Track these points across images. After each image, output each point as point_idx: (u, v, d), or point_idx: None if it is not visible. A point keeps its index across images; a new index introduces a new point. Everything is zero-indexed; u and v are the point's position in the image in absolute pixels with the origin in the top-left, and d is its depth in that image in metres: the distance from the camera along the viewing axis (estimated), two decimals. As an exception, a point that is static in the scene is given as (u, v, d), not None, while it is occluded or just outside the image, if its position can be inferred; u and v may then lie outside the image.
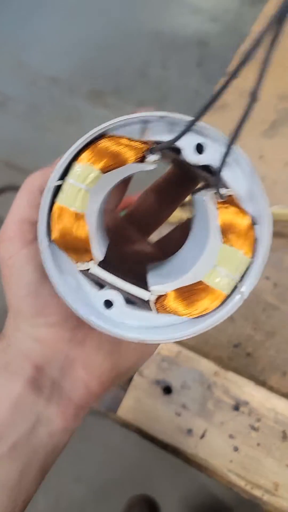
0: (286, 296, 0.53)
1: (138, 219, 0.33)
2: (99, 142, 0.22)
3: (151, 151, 0.22)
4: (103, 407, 0.50)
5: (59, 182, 0.22)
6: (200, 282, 0.23)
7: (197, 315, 0.23)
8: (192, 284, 0.23)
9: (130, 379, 0.51)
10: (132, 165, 0.22)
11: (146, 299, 0.24)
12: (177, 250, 0.30)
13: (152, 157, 0.22)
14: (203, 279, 0.23)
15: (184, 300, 0.23)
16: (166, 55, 1.65)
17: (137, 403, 0.47)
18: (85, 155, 0.22)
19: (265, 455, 0.44)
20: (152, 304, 0.24)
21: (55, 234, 0.22)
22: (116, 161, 0.22)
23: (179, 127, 0.22)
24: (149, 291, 0.24)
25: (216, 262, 0.23)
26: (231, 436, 0.45)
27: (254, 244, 0.23)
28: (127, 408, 0.47)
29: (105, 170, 0.22)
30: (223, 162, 0.20)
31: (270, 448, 0.45)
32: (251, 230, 0.23)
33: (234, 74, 0.17)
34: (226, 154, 0.20)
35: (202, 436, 0.45)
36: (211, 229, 0.23)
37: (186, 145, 0.22)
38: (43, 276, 0.24)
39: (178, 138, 0.21)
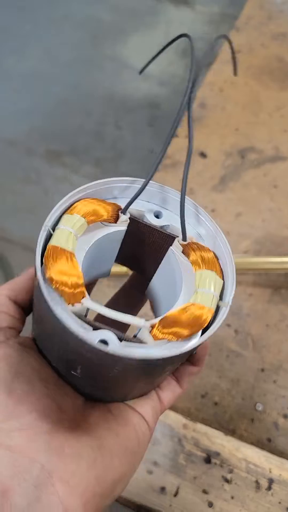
0: (247, 342, 0.55)
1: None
2: (80, 201, 0.26)
3: (121, 211, 0.27)
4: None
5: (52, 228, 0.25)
6: (188, 304, 0.25)
7: (193, 333, 0.24)
8: (181, 307, 0.25)
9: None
10: (107, 225, 0.27)
11: (142, 325, 0.24)
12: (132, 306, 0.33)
13: (123, 217, 0.27)
14: (190, 301, 0.25)
15: (179, 321, 0.24)
16: (119, 116, 1.74)
17: (107, 465, 0.45)
18: (72, 209, 0.25)
19: (239, 508, 0.44)
20: (146, 332, 0.24)
21: (50, 272, 0.23)
22: (96, 216, 0.26)
23: (142, 188, 0.27)
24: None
25: (197, 286, 0.25)
26: (204, 491, 0.44)
27: (221, 272, 0.26)
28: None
29: (89, 221, 0.26)
30: (183, 213, 0.25)
31: (244, 500, 0.44)
32: (216, 260, 0.26)
33: (167, 143, 0.26)
34: (183, 208, 0.25)
35: (176, 494, 0.44)
36: (182, 270, 0.27)
37: (147, 212, 0.28)
38: (17, 372, 0.23)
39: (135, 197, 0.26)
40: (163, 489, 0.44)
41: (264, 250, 0.61)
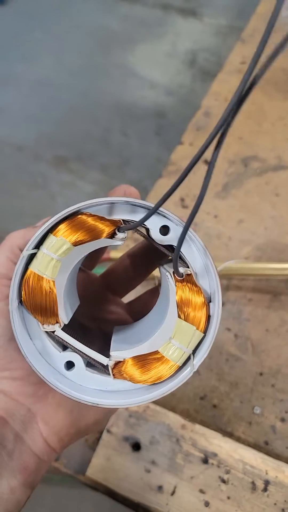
0: (246, 346, 0.56)
1: (113, 279, 0.36)
2: (76, 217, 0.24)
3: (119, 229, 0.25)
4: (72, 470, 0.49)
5: (34, 251, 0.24)
6: (156, 352, 0.25)
7: (151, 383, 0.25)
8: (149, 353, 0.25)
9: (98, 438, 0.51)
10: (103, 240, 0.25)
11: (105, 364, 0.25)
12: (146, 312, 0.32)
13: (120, 235, 0.25)
14: (159, 349, 0.25)
15: (140, 368, 0.25)
16: (126, 124, 1.77)
17: (106, 462, 0.46)
18: (61, 228, 0.24)
19: (235, 509, 0.44)
20: (109, 369, 0.25)
21: (24, 296, 0.24)
22: (91, 235, 0.24)
23: (141, 210, 0.25)
24: (109, 356, 0.25)
25: (172, 335, 0.25)
26: (201, 491, 0.45)
27: (206, 321, 0.25)
28: (97, 468, 0.46)
29: (77, 244, 0.24)
30: (181, 244, 0.23)
31: (240, 501, 0.45)
32: (205, 307, 0.25)
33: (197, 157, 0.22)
34: (183, 238, 0.23)
35: (173, 493, 0.45)
36: (170, 302, 0.25)
37: (153, 226, 0.25)
38: (10, 335, 0.26)
39: (142, 222, 0.24)
40: (160, 487, 0.45)
41: (265, 256, 0.63)
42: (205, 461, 0.46)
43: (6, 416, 0.26)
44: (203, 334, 0.25)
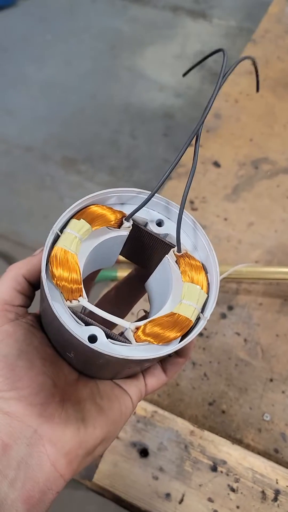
0: (256, 351, 0.55)
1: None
2: (90, 207, 0.28)
3: (125, 218, 0.29)
4: (78, 476, 0.48)
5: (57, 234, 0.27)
6: (171, 313, 0.27)
7: (171, 340, 0.27)
8: (164, 315, 0.27)
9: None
10: (111, 230, 0.29)
11: (127, 327, 0.26)
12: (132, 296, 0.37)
13: (126, 224, 0.29)
14: (173, 310, 0.27)
15: (161, 327, 0.27)
16: (135, 126, 1.76)
17: (114, 468, 0.46)
18: (79, 214, 0.28)
19: (245, 518, 0.43)
20: (130, 334, 0.26)
21: (53, 269, 0.26)
22: (102, 221, 0.28)
23: (146, 200, 0.29)
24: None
25: (182, 297, 0.28)
26: (210, 500, 0.44)
27: (207, 285, 0.29)
28: (104, 474, 0.45)
29: (94, 226, 0.28)
30: (179, 226, 0.28)
31: (250, 510, 0.44)
32: (203, 270, 0.29)
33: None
34: (179, 221, 0.28)
35: (181, 501, 0.44)
36: (173, 277, 0.29)
37: (150, 220, 0.30)
38: (21, 350, 0.27)
39: (141, 207, 0.28)
40: (168, 495, 0.44)
41: (276, 260, 0.62)
42: (214, 469, 0.45)
43: (10, 441, 0.25)
44: (206, 295, 0.28)
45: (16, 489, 0.24)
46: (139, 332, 0.26)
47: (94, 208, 0.28)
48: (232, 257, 0.62)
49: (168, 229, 0.30)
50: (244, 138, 0.73)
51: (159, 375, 0.33)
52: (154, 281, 0.33)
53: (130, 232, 0.30)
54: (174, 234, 0.29)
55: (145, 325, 0.27)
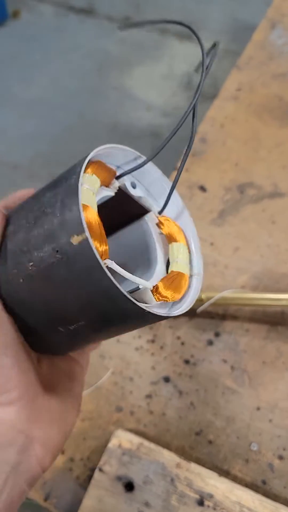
0: (243, 379, 0.54)
1: None
2: (95, 161, 0.28)
3: (117, 177, 0.29)
4: (61, 511, 0.47)
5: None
6: (172, 272, 0.29)
7: (180, 296, 0.28)
8: (168, 274, 0.29)
9: (89, 475, 0.49)
10: (103, 189, 0.28)
11: (150, 287, 0.27)
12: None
13: (116, 183, 0.29)
14: (172, 269, 0.29)
15: (171, 285, 0.28)
16: (122, 144, 1.78)
17: (98, 504, 0.44)
18: (89, 169, 0.27)
19: None
20: (150, 293, 0.27)
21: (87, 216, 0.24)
22: (104, 178, 0.28)
23: (133, 162, 0.30)
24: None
25: (176, 257, 0.29)
26: (197, 535, 0.43)
27: (188, 244, 0.31)
28: (88, 510, 0.44)
29: (101, 182, 0.27)
30: (173, 189, 0.29)
31: None
32: (182, 231, 0.31)
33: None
34: (174, 184, 0.29)
35: (167, 537, 0.43)
36: (155, 239, 0.30)
37: (126, 182, 0.30)
38: (6, 343, 0.26)
39: (134, 170, 0.29)
40: (154, 531, 0.43)
41: (262, 285, 0.62)
42: (200, 503, 0.44)
43: (0, 451, 0.25)
44: (189, 253, 0.30)
45: (0, 501, 0.24)
46: (156, 293, 0.27)
47: (100, 164, 0.28)
48: (218, 282, 0.62)
49: (141, 192, 0.31)
50: (230, 163, 0.74)
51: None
52: (126, 244, 0.33)
53: (115, 193, 0.30)
54: (147, 197, 0.30)
55: (158, 285, 0.27)
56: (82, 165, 0.25)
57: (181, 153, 0.76)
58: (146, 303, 0.26)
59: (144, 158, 0.30)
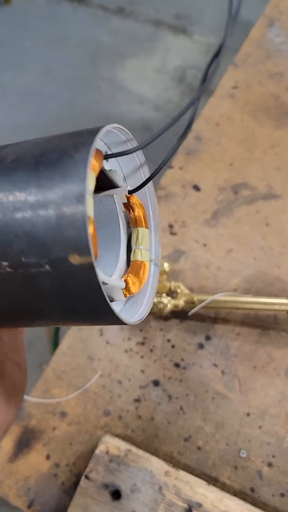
0: (233, 384, 0.54)
1: None
2: (97, 154, 0.23)
3: (105, 157, 0.25)
4: (45, 517, 0.45)
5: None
6: (135, 261, 0.27)
7: (141, 288, 0.27)
8: (131, 266, 0.27)
9: (75, 482, 0.48)
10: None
11: (124, 287, 0.26)
12: None
13: (107, 165, 0.28)
14: (134, 258, 0.28)
15: (138, 280, 0.27)
16: (113, 137, 1.75)
17: (83, 512, 0.43)
18: (91, 168, 0.21)
19: None
20: (120, 291, 0.25)
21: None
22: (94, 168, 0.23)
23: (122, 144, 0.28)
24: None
25: (140, 243, 0.28)
26: None
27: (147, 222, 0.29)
28: (73, 519, 0.43)
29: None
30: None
31: None
32: (143, 209, 0.29)
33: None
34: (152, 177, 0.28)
35: None
36: (120, 222, 0.28)
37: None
38: None
39: (123, 154, 0.26)
40: None
41: (254, 288, 0.61)
42: None
43: None
44: (148, 231, 0.28)
45: None
46: (130, 285, 0.26)
47: (98, 154, 0.23)
48: (211, 284, 0.61)
49: (112, 165, 0.28)
50: (224, 162, 0.73)
51: None
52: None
53: None
54: (118, 170, 0.28)
55: (127, 281, 0.26)
56: (86, 165, 0.20)
57: (170, 146, 0.75)
58: (113, 299, 0.26)
59: (135, 142, 0.28)
